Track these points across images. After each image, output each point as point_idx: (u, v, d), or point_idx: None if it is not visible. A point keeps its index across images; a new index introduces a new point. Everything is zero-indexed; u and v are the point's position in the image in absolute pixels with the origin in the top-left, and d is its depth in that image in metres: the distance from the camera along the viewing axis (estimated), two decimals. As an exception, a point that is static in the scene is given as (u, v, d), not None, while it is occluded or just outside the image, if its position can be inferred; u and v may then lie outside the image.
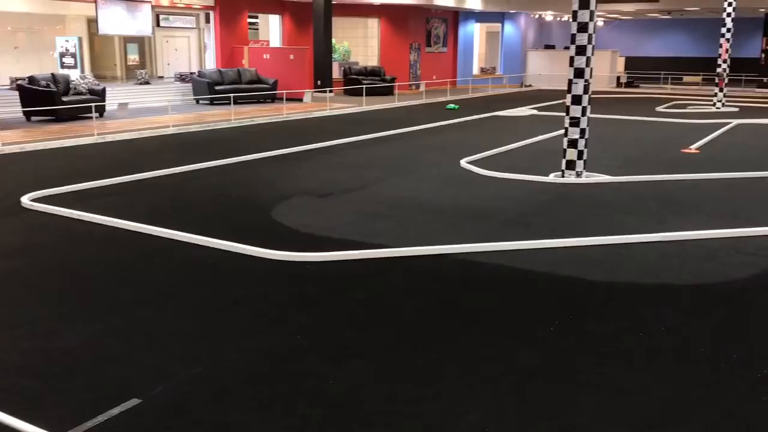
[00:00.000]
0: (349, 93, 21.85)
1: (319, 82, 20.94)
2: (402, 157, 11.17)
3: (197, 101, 18.83)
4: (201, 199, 8.13)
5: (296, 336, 4.30)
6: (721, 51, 19.78)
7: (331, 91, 20.57)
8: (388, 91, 22.41)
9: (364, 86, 20.58)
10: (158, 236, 6.36)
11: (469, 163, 10.33)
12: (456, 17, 28.79)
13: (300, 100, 19.69)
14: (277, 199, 7.92)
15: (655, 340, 4.25)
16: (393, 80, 23.22)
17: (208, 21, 21.26)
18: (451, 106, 19.91)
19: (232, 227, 6.75)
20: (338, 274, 5.46)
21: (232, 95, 16.78)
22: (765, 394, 3.56)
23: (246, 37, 22.24)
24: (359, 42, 26.87)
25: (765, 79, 27.69)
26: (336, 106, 18.67)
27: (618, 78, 30.37)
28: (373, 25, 26.23)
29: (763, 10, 26.96)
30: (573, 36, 8.73)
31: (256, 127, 14.84)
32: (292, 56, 21.30)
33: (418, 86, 25.79)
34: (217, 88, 18.50)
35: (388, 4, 24.19)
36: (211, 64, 21.26)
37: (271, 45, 23.54)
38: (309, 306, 4.83)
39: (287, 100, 18.29)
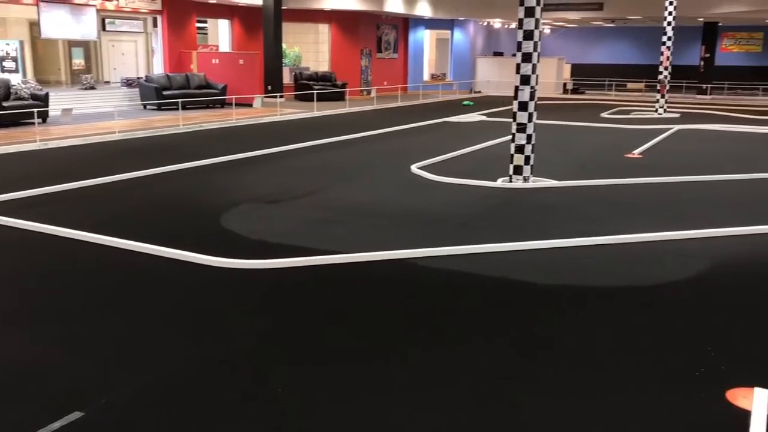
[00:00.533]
0: (299, 98, 21.78)
1: (269, 87, 20.82)
2: (353, 163, 11.18)
3: (144, 107, 18.50)
4: (147, 206, 7.99)
5: (246, 343, 4.26)
6: (663, 59, 20.39)
7: (281, 97, 20.47)
8: (339, 97, 22.41)
9: (315, 91, 20.55)
10: (101, 244, 6.22)
11: (420, 168, 10.41)
12: (406, 24, 29.00)
13: (250, 105, 19.53)
14: (226, 206, 7.84)
15: (598, 341, 4.34)
16: (344, 86, 23.24)
17: (155, 25, 20.94)
18: (467, 102, 22.32)
19: (179, 234, 6.65)
20: (289, 280, 5.43)
21: (180, 100, 16.54)
22: (703, 391, 3.67)
23: (194, 41, 21.97)
24: (310, 47, 26.81)
25: (704, 85, 28.64)
26: (286, 111, 18.59)
27: (564, 84, 31.01)
28: (324, 30, 26.22)
29: (701, 19, 27.89)
30: (519, 44, 8.89)
31: (205, 133, 14.66)
32: (241, 61, 21.13)
33: (369, 92, 25.84)
34: (165, 93, 18.21)
35: (338, 10, 24.22)
36: (158, 68, 20.93)
37: (221, 50, 23.31)
38: (259, 313, 4.80)
39: (237, 105, 18.12)
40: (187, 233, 6.78)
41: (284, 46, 22.53)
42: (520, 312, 4.85)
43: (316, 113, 18.71)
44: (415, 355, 4.11)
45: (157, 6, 20.25)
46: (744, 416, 3.39)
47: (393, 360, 4.05)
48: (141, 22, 21.19)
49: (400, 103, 23.00)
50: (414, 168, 10.40)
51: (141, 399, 3.55)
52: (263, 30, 21.06)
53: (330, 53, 26.21)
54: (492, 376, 3.86)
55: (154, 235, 6.42)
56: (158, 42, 20.96)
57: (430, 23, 30.08)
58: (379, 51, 27.58)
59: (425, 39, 30.82)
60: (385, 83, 27.22)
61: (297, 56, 26.21)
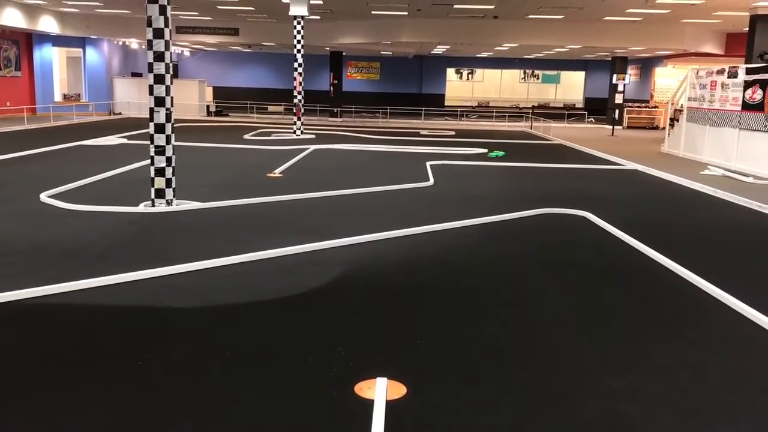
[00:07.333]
0: None
1: None
2: (-34, 195, 9.78)
3: None
4: None
5: None
6: (296, 84, 21.81)
7: None
8: (-53, 120, 19.43)
9: None
10: None
11: (52, 197, 9.55)
12: (29, 39, 26.40)
13: None
14: None
15: (244, 358, 4.45)
16: (-46, 107, 20.25)
17: None
18: (495, 153, 17.53)
19: None
20: None
21: None
22: (336, 389, 4.01)
23: None
24: None
25: (335, 109, 31.34)
26: None
27: (208, 107, 31.24)
28: (-77, 42, 22.52)
29: (328, 48, 30.51)
30: (150, 65, 8.71)
31: None
32: None
33: (-13, 114, 22.93)
34: None
35: (-60, 20, 21.02)
36: None
37: None
38: None
39: None
40: None
41: None
42: (165, 339, 4.73)
43: None
44: (49, 399, 3.74)
45: None
46: (369, 405, 3.78)
47: (17, 408, 3.63)
48: None
49: (27, 126, 20.87)
50: (44, 197, 9.50)
51: None
52: None
53: (-67, 69, 22.60)
54: (135, 409, 3.70)
55: None
56: None
57: (58, 40, 27.80)
58: (-2, 68, 24.63)
59: (54, 57, 28.38)
60: (8, 104, 24.45)
61: None
